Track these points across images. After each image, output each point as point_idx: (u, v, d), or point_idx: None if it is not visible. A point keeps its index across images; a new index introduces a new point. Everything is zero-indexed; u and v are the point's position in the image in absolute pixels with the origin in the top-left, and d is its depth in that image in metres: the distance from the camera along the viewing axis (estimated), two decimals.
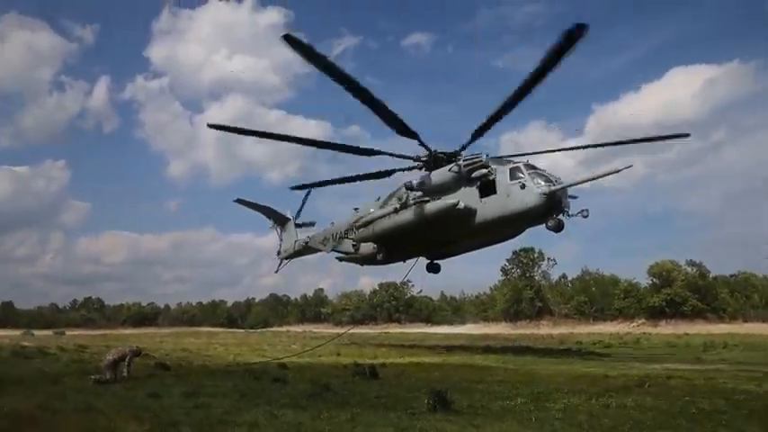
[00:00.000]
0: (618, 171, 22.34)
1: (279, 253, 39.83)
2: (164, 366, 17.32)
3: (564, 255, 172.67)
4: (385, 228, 26.29)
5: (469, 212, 23.35)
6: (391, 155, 25.19)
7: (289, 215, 38.99)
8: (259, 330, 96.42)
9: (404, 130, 22.63)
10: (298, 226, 38.33)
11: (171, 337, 47.28)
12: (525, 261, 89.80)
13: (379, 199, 28.68)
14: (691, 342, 36.17)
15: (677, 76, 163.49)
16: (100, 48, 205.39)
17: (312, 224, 37.99)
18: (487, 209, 22.96)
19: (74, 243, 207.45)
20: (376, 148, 24.96)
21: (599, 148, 27.82)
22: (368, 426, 8.70)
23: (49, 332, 63.50)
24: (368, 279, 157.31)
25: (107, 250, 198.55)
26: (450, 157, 24.92)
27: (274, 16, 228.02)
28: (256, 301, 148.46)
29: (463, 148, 24.53)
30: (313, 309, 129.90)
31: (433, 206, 24.04)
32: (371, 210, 28.11)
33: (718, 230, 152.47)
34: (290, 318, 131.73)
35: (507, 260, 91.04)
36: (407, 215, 24.99)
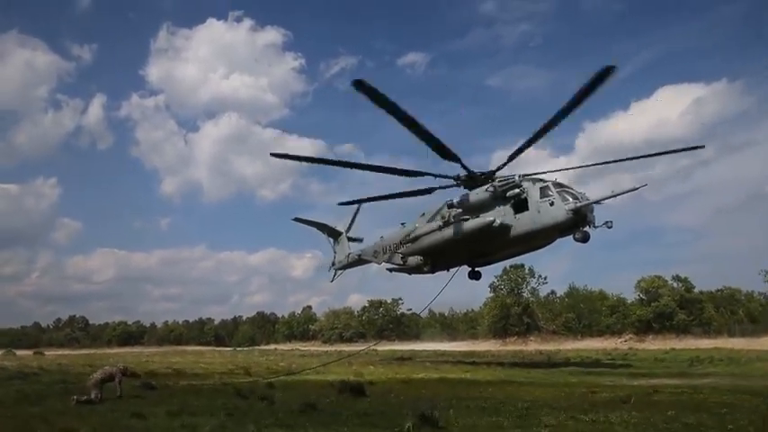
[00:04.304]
0: (636, 189, 24.53)
1: (333, 264, 42.48)
2: (149, 386, 17.15)
3: (554, 270, 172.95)
4: (430, 243, 29.34)
5: (505, 228, 25.83)
6: (434, 175, 27.00)
7: (340, 229, 41.90)
8: (246, 349, 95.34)
9: (448, 154, 24.77)
10: (350, 240, 41.45)
11: (157, 356, 46.76)
12: (515, 278, 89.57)
13: (423, 215, 31.20)
14: (677, 357, 36.31)
15: (666, 95, 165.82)
16: (97, 66, 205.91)
17: (360, 240, 41.10)
18: (521, 224, 25.46)
19: (64, 261, 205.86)
20: (422, 170, 27.00)
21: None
22: None
23: (30, 352, 62.10)
24: (357, 296, 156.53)
25: (96, 268, 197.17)
26: (487, 177, 27.01)
27: (272, 36, 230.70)
28: (244, 319, 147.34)
29: (498, 168, 26.74)
30: (301, 326, 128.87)
31: (472, 223, 26.70)
32: (416, 225, 31.26)
33: (704, 246, 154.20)
34: (277, 336, 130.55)
35: (496, 277, 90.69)
36: (450, 231, 27.91)
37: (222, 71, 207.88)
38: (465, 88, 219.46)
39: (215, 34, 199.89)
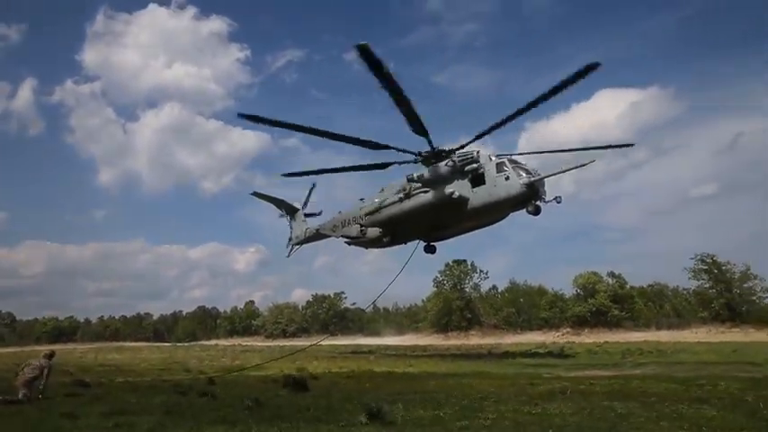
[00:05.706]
0: (584, 165, 25.97)
1: (290, 240, 43.29)
2: (83, 384, 16.44)
3: (495, 266, 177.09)
4: (391, 214, 30.19)
5: (463, 200, 26.81)
6: (397, 149, 26.98)
7: (297, 206, 42.71)
8: (187, 344, 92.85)
9: (419, 129, 24.75)
10: (307, 215, 42.39)
11: (91, 353, 44.86)
12: (457, 273, 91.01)
13: (383, 190, 31.96)
14: (610, 350, 38.00)
15: (605, 98, 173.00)
16: (26, 48, 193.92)
17: (319, 213, 41.90)
18: (478, 197, 26.53)
19: None
20: (385, 143, 26.19)
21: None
22: None
23: None
24: (301, 291, 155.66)
25: (24, 262, 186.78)
26: (449, 154, 27.66)
27: (217, 25, 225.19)
28: (184, 314, 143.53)
29: (462, 146, 27.32)
30: (244, 322, 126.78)
31: (432, 195, 27.70)
32: (376, 199, 31.89)
33: (635, 243, 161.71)
34: (219, 331, 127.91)
35: (439, 272, 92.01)
36: (410, 203, 28.90)
37: (164, 59, 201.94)
38: (412, 85, 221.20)
39: (157, 20, 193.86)
